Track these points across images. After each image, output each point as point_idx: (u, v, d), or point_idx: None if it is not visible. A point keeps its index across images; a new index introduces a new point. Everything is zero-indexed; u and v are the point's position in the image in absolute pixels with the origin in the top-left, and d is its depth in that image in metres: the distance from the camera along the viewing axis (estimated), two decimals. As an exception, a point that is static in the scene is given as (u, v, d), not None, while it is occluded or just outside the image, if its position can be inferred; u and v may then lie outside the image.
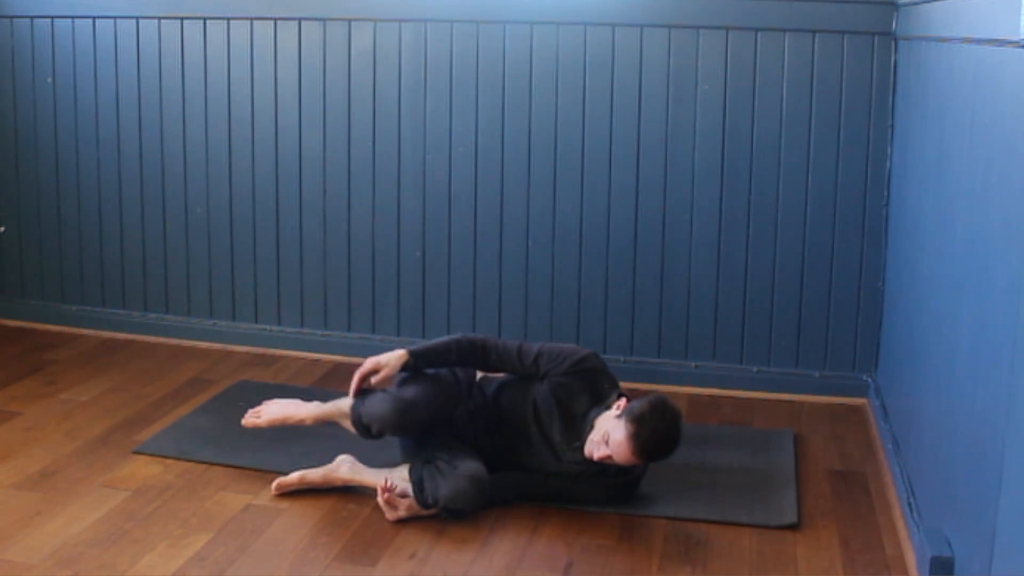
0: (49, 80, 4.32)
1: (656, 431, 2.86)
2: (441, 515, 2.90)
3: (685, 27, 3.72)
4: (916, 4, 3.18)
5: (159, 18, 4.16)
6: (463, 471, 2.91)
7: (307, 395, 3.34)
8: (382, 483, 2.90)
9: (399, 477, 2.95)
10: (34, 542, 2.72)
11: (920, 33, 3.12)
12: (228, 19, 4.10)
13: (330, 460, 3.19)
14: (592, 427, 2.94)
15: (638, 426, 2.84)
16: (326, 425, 3.45)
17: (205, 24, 4.13)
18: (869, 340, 3.77)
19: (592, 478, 3.01)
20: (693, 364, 3.91)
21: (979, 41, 2.27)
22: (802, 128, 3.70)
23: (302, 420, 3.13)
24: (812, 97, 3.68)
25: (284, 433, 3.39)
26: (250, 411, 3.19)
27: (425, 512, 2.90)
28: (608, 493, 3.01)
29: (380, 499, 2.88)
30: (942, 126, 2.73)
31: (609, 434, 2.86)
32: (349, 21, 4.00)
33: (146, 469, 3.17)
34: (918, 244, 3.04)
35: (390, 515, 2.89)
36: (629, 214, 3.86)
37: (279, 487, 3.03)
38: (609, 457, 2.87)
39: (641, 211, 3.85)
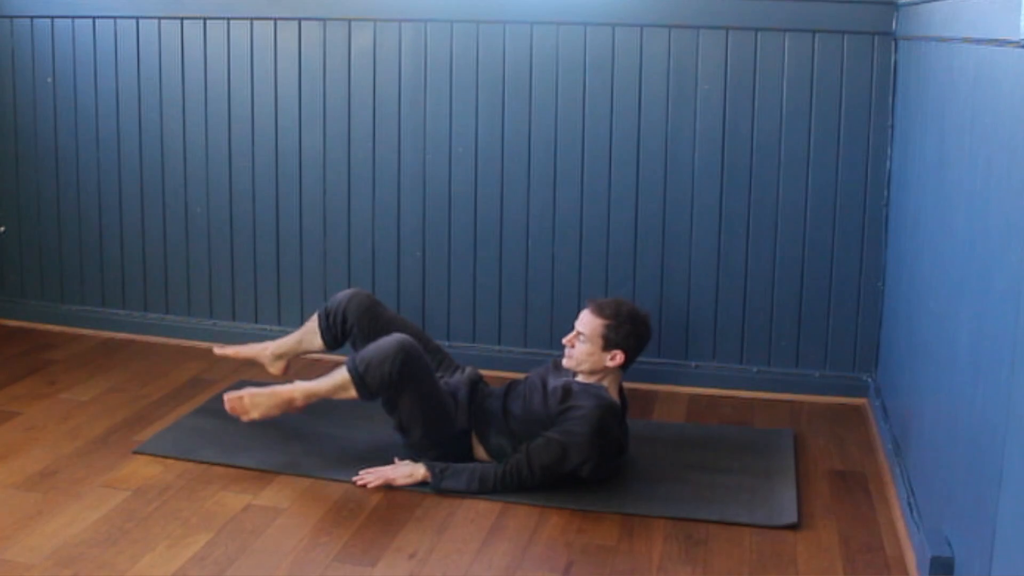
0: (49, 80, 4.32)
1: (614, 298, 3.23)
2: (434, 483, 3.01)
3: (685, 27, 3.72)
4: (916, 4, 3.18)
5: (159, 18, 4.16)
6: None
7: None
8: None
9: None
10: (34, 542, 2.72)
11: (920, 33, 3.12)
12: (228, 19, 4.10)
13: (331, 459, 3.21)
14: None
15: (598, 298, 3.21)
16: (326, 425, 3.46)
17: (205, 24, 4.13)
18: (869, 340, 3.77)
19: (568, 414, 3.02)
20: (693, 364, 3.91)
21: (979, 41, 2.27)
22: (802, 128, 3.70)
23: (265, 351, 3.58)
24: (812, 97, 3.68)
25: (284, 433, 3.39)
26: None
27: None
28: (580, 437, 2.97)
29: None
30: (942, 126, 2.73)
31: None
32: (349, 21, 4.00)
33: (146, 469, 3.17)
34: (918, 244, 3.04)
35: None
36: (629, 214, 3.86)
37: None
38: (579, 336, 3.09)
39: (641, 211, 3.85)
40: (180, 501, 2.97)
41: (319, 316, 3.45)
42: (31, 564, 2.61)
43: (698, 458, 3.30)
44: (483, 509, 2.96)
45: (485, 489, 3.01)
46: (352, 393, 3.09)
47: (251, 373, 4.00)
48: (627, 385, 3.90)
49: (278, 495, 3.02)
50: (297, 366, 3.75)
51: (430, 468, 3.04)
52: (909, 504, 2.76)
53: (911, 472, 2.87)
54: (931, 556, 2.28)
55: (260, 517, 2.90)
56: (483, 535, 2.83)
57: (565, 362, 3.16)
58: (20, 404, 3.64)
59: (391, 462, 3.14)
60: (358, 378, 3.05)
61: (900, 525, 2.86)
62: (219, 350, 3.63)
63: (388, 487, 3.05)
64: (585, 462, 2.99)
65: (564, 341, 3.16)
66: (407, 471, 3.06)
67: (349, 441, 3.35)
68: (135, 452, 3.27)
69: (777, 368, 3.86)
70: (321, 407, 3.53)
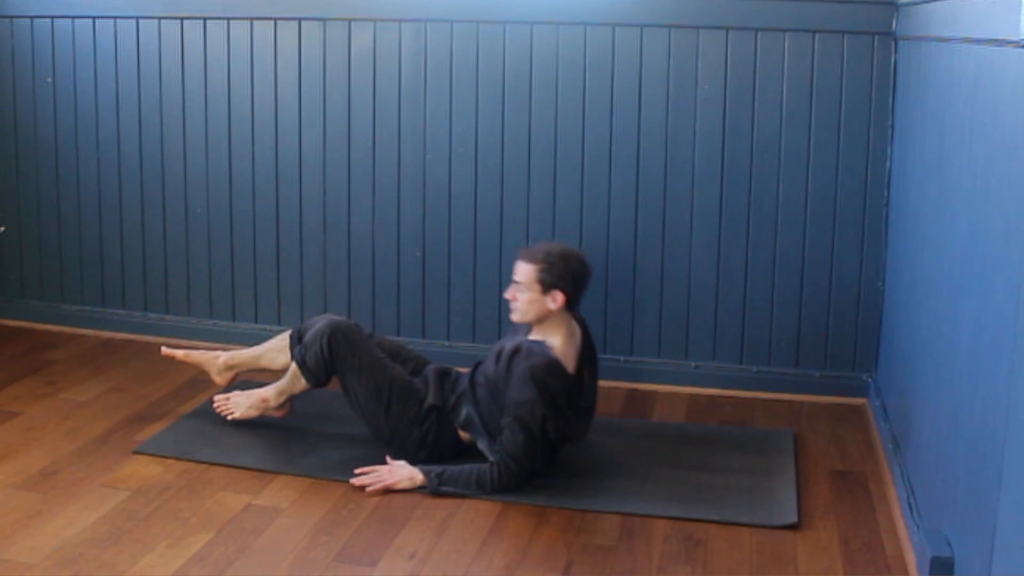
0: (49, 80, 4.32)
1: (543, 243, 3.30)
2: (432, 488, 3.01)
3: (685, 27, 3.72)
4: (916, 4, 3.18)
5: (159, 18, 4.16)
6: None
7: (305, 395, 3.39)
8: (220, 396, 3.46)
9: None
10: (34, 542, 2.72)
11: (920, 33, 3.12)
12: (228, 19, 4.10)
13: (331, 459, 3.21)
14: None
15: (527, 247, 3.29)
16: (326, 425, 3.46)
17: (205, 24, 4.13)
18: (869, 340, 3.77)
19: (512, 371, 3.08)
20: (693, 364, 3.91)
21: (979, 41, 2.27)
22: (802, 128, 3.70)
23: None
24: (812, 97, 3.68)
25: (284, 433, 3.40)
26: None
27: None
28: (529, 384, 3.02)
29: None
30: (942, 126, 2.73)
31: None
32: (349, 21, 4.00)
33: (146, 469, 3.17)
34: (918, 244, 3.04)
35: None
36: (629, 214, 3.86)
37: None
38: (517, 286, 3.15)
39: (641, 211, 3.85)
40: (180, 501, 2.97)
41: (291, 336, 3.44)
42: (31, 564, 2.61)
43: (698, 458, 3.30)
44: (483, 509, 2.96)
45: (484, 491, 3.01)
46: (303, 381, 3.28)
47: (252, 373, 4.00)
48: (627, 385, 3.92)
49: (278, 495, 3.03)
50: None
51: (426, 473, 3.04)
52: (909, 504, 2.76)
53: (911, 472, 2.87)
54: (931, 556, 2.28)
55: (260, 517, 2.90)
56: (483, 535, 2.83)
57: (513, 316, 3.20)
58: (20, 404, 3.64)
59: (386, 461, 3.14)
60: (300, 361, 3.25)
61: (900, 525, 2.86)
62: (166, 350, 3.60)
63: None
64: (544, 421, 3.02)
65: (506, 296, 3.20)
66: (406, 474, 3.06)
67: (349, 441, 3.35)
68: (135, 452, 3.27)
69: (777, 368, 3.86)
70: (320, 408, 3.54)
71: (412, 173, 4.01)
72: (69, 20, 4.26)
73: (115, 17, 4.20)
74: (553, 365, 3.06)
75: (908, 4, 3.35)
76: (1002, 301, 1.97)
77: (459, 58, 3.91)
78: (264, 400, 3.37)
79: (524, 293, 3.14)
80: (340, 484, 3.08)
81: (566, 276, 3.13)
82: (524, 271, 3.14)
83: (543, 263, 3.12)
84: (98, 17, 4.23)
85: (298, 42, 4.05)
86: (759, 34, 3.68)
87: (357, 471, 3.09)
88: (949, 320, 2.49)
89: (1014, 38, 1.91)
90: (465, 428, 3.19)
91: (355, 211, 4.09)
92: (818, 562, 2.72)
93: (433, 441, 3.17)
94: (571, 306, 3.18)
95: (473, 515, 2.93)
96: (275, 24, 4.06)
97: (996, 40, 2.09)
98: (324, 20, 4.02)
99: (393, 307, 4.11)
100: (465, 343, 4.04)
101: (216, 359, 3.54)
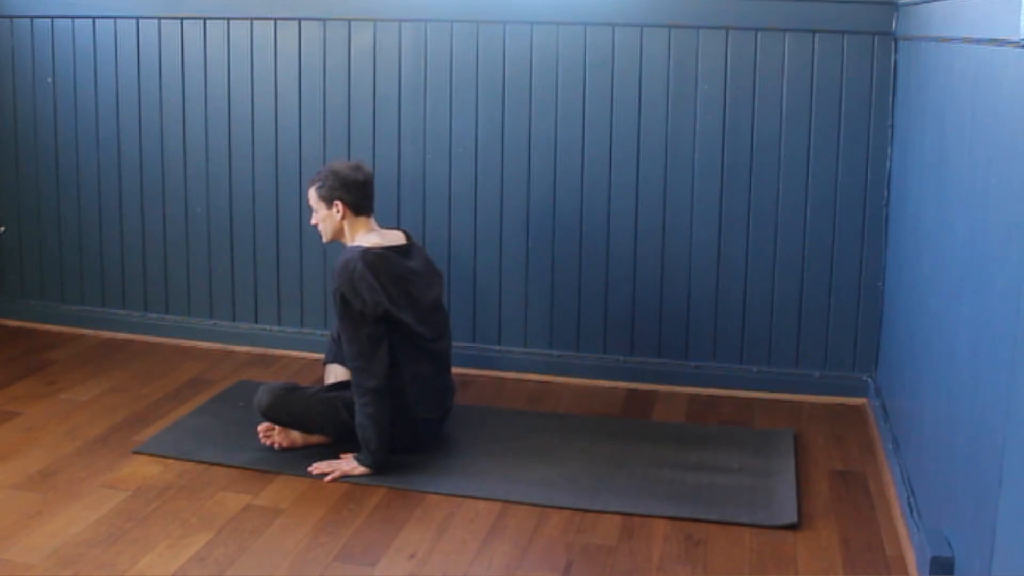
0: (49, 80, 4.32)
1: None
2: (371, 463, 3.09)
3: (685, 27, 3.72)
4: (916, 4, 3.18)
5: (159, 18, 4.16)
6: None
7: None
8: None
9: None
10: (34, 542, 2.72)
11: (920, 33, 3.12)
12: (228, 19, 4.10)
13: (331, 460, 3.20)
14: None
15: None
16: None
17: (205, 24, 4.13)
18: (869, 340, 3.77)
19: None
20: (693, 364, 3.91)
21: (979, 41, 2.27)
22: (802, 128, 3.70)
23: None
24: (812, 97, 3.68)
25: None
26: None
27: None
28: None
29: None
30: (942, 126, 2.73)
31: None
32: (349, 21, 4.00)
33: (146, 469, 3.17)
34: (918, 244, 3.04)
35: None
36: (629, 214, 3.86)
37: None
38: (312, 208, 3.32)
39: (641, 211, 3.85)
40: (180, 501, 2.97)
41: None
42: (31, 564, 2.61)
43: (698, 458, 3.30)
44: (483, 509, 2.96)
45: (370, 412, 3.06)
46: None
47: (252, 373, 4.01)
48: (627, 385, 3.92)
49: (278, 495, 3.03)
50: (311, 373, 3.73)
51: (358, 459, 3.12)
52: (909, 504, 2.76)
53: (911, 472, 2.87)
54: (931, 556, 2.28)
55: (260, 517, 2.90)
56: (483, 535, 2.83)
57: (323, 240, 3.37)
58: (20, 404, 3.65)
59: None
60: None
61: (900, 525, 2.86)
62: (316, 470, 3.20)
63: (384, 485, 3.05)
64: (378, 305, 3.10)
65: (313, 221, 3.35)
66: (355, 464, 3.13)
67: (349, 441, 3.34)
68: (135, 452, 3.27)
69: (777, 368, 3.86)
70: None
71: (412, 173, 4.01)
72: (69, 20, 4.26)
73: (115, 17, 4.21)
74: (349, 250, 3.20)
75: (908, 4, 3.35)
76: (1002, 301, 1.97)
77: (459, 58, 3.91)
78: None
79: (316, 214, 3.31)
80: (340, 484, 3.08)
81: (338, 186, 3.26)
82: (310, 195, 3.32)
83: (318, 181, 3.30)
84: (98, 17, 4.23)
85: (298, 42, 4.05)
86: (759, 34, 3.68)
87: (314, 467, 3.14)
88: (949, 320, 2.49)
89: (1014, 38, 1.91)
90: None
91: (355, 211, 4.09)
92: (818, 562, 2.72)
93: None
94: (358, 211, 3.29)
95: (473, 515, 2.93)
96: (275, 24, 4.06)
97: (996, 40, 2.09)
98: (324, 20, 4.02)
99: (393, 307, 4.11)
100: (465, 343, 4.03)
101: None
